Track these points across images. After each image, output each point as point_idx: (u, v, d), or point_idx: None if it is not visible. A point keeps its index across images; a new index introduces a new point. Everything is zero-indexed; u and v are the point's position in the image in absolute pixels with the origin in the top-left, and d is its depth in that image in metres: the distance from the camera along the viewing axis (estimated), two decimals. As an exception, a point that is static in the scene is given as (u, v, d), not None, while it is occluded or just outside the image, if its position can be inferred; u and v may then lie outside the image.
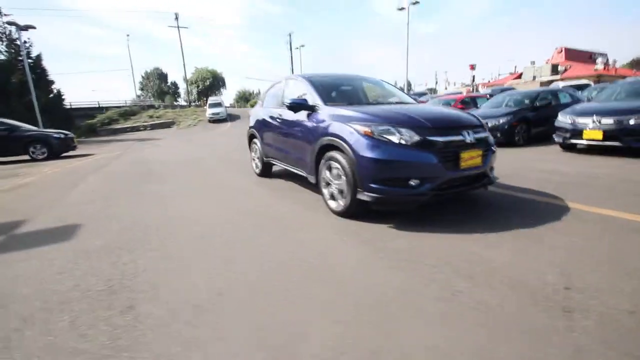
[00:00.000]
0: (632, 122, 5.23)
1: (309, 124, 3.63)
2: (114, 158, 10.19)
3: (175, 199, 4.34)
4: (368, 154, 2.79)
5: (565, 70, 28.01)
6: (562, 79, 26.07)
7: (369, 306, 1.76)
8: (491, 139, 3.24)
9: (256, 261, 2.36)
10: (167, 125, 29.46)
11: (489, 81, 39.04)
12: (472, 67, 34.11)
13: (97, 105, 34.76)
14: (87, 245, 2.84)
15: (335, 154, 3.15)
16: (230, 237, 2.86)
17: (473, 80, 37.39)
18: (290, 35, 48.56)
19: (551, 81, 26.27)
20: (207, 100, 43.34)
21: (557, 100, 8.28)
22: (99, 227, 3.29)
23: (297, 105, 3.73)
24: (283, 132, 4.29)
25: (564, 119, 6.25)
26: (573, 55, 30.72)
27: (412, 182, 2.75)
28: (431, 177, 2.76)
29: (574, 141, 5.99)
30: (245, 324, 1.66)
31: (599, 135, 5.55)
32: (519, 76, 32.01)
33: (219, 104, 29.77)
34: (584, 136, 5.77)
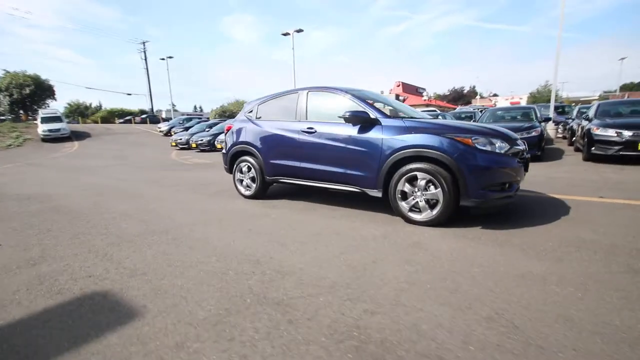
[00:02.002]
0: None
1: (372, 136, 3.54)
2: None
3: (206, 238, 3.33)
4: (477, 162, 3.02)
5: (405, 99, 35.76)
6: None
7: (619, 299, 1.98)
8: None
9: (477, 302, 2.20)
10: (-34, 145, 20.76)
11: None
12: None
13: None
14: (199, 313, 1.91)
15: (423, 165, 3.22)
16: (385, 278, 2.49)
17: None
18: (144, 44, 43.17)
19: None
20: (27, 112, 33.07)
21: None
22: (165, 292, 2.22)
23: (358, 118, 3.58)
24: (319, 147, 3.95)
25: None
26: (407, 88, 39.73)
27: (506, 186, 3.14)
28: (516, 180, 3.23)
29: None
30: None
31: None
32: (372, 102, 38.72)
33: (57, 118, 23.33)
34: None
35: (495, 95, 69.29)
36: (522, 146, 3.47)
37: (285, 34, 21.57)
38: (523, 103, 51.19)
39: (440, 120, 3.69)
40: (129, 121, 38.43)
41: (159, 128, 27.20)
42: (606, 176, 5.62)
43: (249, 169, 4.83)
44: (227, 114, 37.53)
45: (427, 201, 3.27)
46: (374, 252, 2.73)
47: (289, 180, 4.40)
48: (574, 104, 27.86)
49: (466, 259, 2.52)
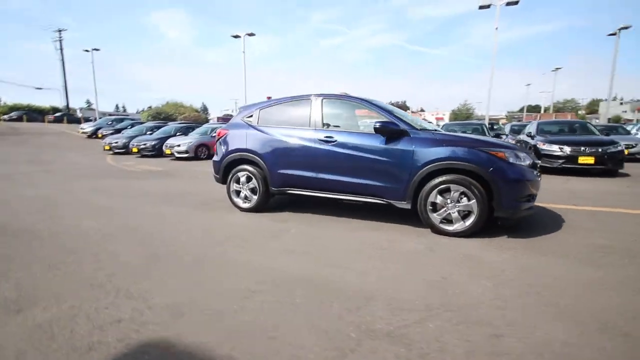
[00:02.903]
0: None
1: (402, 148, 3.48)
2: None
3: (235, 259, 2.86)
4: (511, 175, 3.16)
5: (348, 110, 37.26)
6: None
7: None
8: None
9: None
10: None
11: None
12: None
13: None
14: (310, 358, 1.57)
15: (456, 177, 3.26)
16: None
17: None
18: (60, 32, 37.77)
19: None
20: None
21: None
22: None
23: (389, 129, 3.50)
24: (341, 157, 3.76)
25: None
26: None
27: (531, 197, 3.35)
28: (537, 192, 3.46)
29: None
30: None
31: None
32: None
33: (-60, 113, 18.79)
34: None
35: (422, 110, 76.46)
36: (537, 160, 3.76)
37: (236, 37, 20.74)
38: (446, 119, 57.28)
39: (467, 135, 3.81)
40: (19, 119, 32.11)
41: (82, 129, 23.76)
42: (562, 186, 6.45)
43: (249, 179, 4.39)
44: (162, 115, 34.57)
45: (459, 212, 3.31)
46: (434, 267, 2.64)
47: (300, 192, 4.10)
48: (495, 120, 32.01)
49: (527, 270, 2.57)
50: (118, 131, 19.46)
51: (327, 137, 3.86)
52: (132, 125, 20.04)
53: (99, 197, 5.52)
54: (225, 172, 4.60)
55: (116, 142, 15.08)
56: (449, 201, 3.34)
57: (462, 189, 3.26)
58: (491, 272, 2.52)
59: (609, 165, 7.14)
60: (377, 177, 3.62)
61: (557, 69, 34.01)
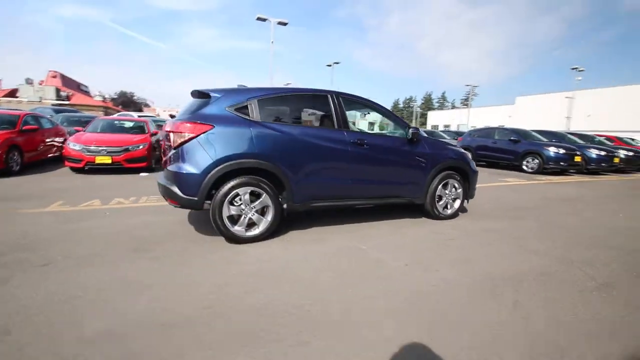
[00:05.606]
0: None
1: (421, 150, 3.94)
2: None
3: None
4: (475, 169, 4.48)
5: (70, 96, 27.37)
6: (71, 105, 25.83)
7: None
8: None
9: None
10: None
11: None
12: None
13: None
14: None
15: (453, 172, 4.20)
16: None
17: None
18: None
19: (60, 104, 25.27)
20: None
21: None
22: None
23: (416, 134, 3.82)
24: (378, 161, 3.66)
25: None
26: (68, 82, 30.09)
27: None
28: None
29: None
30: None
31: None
32: (11, 94, 26.02)
33: None
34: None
35: (147, 105, 69.90)
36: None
37: None
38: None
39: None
40: None
41: None
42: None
43: (255, 196, 3.10)
44: None
45: (453, 199, 4.30)
46: (492, 243, 3.43)
47: (329, 204, 3.49)
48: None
49: (524, 229, 3.95)
50: None
51: (359, 139, 3.56)
52: None
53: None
54: (210, 190, 2.94)
55: None
56: (446, 192, 4.23)
57: (454, 182, 4.26)
58: (526, 234, 3.72)
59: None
60: (407, 178, 3.89)
61: (288, 83, 42.58)
